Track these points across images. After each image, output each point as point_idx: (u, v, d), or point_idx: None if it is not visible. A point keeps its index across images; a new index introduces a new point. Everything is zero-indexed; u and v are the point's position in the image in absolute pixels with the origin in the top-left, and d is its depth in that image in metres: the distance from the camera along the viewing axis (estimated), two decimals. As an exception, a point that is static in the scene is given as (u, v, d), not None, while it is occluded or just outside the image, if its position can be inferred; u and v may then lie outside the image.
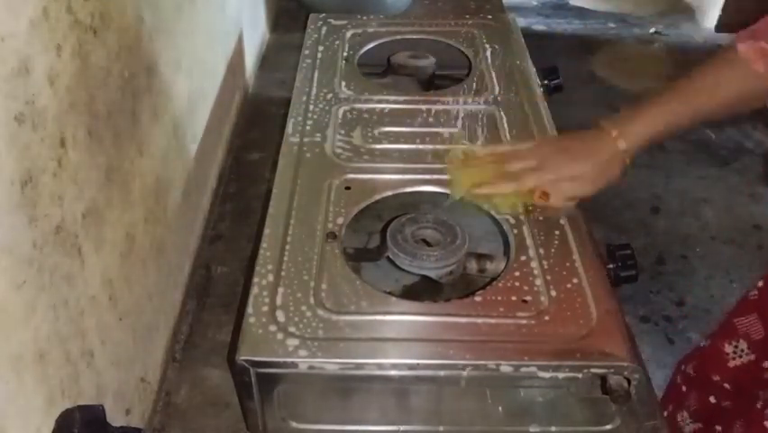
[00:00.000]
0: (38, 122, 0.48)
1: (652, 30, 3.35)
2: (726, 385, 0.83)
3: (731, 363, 0.82)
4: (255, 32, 1.37)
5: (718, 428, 0.84)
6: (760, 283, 0.82)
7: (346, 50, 1.10)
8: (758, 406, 0.77)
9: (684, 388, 0.90)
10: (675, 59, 3.10)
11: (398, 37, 1.15)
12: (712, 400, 0.85)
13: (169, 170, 0.80)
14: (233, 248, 0.95)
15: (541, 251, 0.71)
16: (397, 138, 0.89)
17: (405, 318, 0.65)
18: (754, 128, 2.53)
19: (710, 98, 0.76)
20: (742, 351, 0.82)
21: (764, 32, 0.73)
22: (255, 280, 0.67)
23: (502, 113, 0.94)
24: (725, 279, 1.97)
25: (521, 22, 1.26)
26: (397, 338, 0.63)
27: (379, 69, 1.12)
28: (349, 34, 1.15)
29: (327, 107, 0.95)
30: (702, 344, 0.90)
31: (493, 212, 0.76)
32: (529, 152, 0.80)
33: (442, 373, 0.62)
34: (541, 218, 0.76)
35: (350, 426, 0.68)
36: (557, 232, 0.74)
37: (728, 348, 0.83)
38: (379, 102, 0.97)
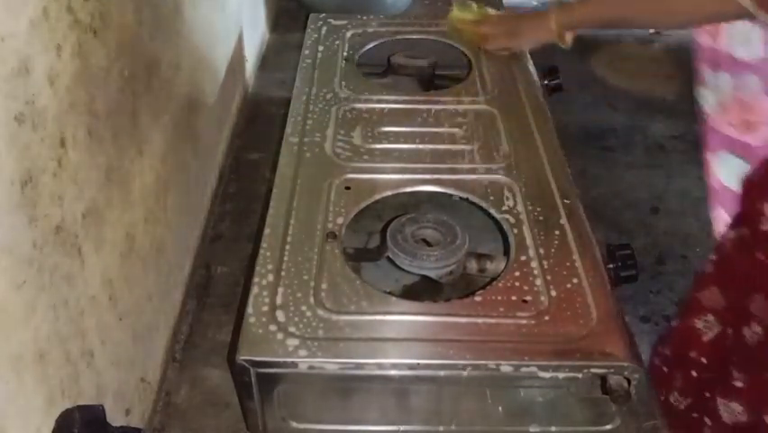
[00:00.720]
0: (38, 122, 0.48)
1: (652, 30, 3.35)
2: (703, 360, 0.86)
3: (705, 338, 0.85)
4: (255, 32, 1.37)
5: (708, 394, 0.86)
6: (713, 257, 0.85)
7: (346, 50, 1.10)
8: (729, 369, 0.80)
9: (666, 369, 0.93)
10: (675, 59, 3.10)
11: (398, 37, 1.15)
12: (694, 374, 0.88)
13: (169, 169, 0.80)
14: (232, 248, 0.95)
15: (541, 251, 0.71)
16: (396, 138, 0.89)
17: (405, 318, 0.65)
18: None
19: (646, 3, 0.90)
20: (711, 323, 0.85)
21: None
22: (255, 280, 0.67)
23: (502, 112, 0.94)
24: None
25: (521, 22, 1.26)
26: (397, 338, 0.63)
27: (379, 69, 1.12)
28: (349, 34, 1.15)
29: (327, 107, 0.95)
30: (673, 323, 0.92)
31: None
32: (492, 19, 1.11)
33: (442, 373, 0.62)
34: (543, 218, 0.76)
35: (350, 426, 0.68)
36: (557, 232, 0.74)
37: (699, 324, 0.86)
38: (379, 102, 0.97)
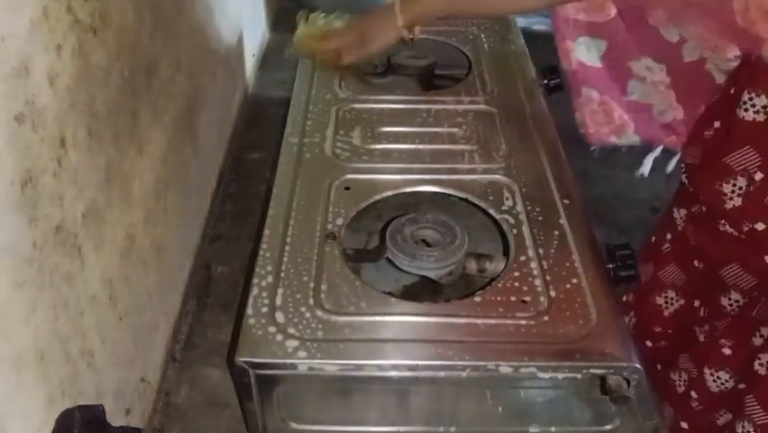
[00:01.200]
0: (38, 122, 0.48)
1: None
2: (669, 331, 0.89)
3: (666, 313, 0.88)
4: (255, 32, 1.37)
5: (658, 366, 0.89)
6: (669, 236, 0.86)
7: (346, 50, 1.10)
8: (701, 339, 0.82)
9: None
10: (675, 59, 3.10)
11: (398, 37, 1.15)
12: (648, 344, 0.91)
13: (168, 170, 0.80)
14: (233, 248, 0.95)
15: (540, 251, 0.71)
16: (396, 138, 0.89)
17: (404, 319, 0.65)
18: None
19: None
20: (672, 299, 0.87)
21: None
22: (255, 280, 0.67)
23: (502, 112, 0.94)
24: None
25: (521, 22, 1.26)
26: (396, 339, 0.63)
27: (380, 69, 1.12)
28: (349, 34, 1.15)
29: (327, 107, 0.95)
30: (626, 299, 0.95)
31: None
32: (343, 29, 1.03)
33: (441, 373, 0.62)
34: (543, 218, 0.76)
35: (350, 427, 0.67)
36: (557, 232, 0.74)
37: (660, 300, 0.88)
38: (379, 102, 0.97)
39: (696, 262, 0.81)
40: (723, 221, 0.72)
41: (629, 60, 0.89)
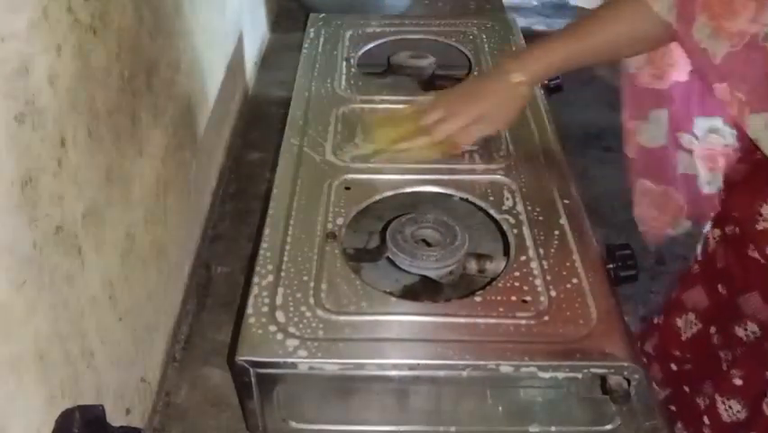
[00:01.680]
0: (38, 122, 0.48)
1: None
2: (688, 355, 0.86)
3: (683, 337, 0.85)
4: (255, 33, 1.37)
5: (686, 388, 0.86)
6: (699, 257, 0.84)
7: (346, 50, 1.11)
8: (724, 367, 0.79)
9: (644, 360, 0.92)
10: (675, 59, 3.10)
11: (398, 37, 1.15)
12: (673, 367, 0.88)
13: (168, 170, 0.80)
14: (233, 248, 0.95)
15: (541, 251, 0.71)
16: (397, 138, 0.89)
17: (405, 319, 0.65)
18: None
19: (608, 35, 0.79)
20: (691, 322, 0.85)
21: None
22: (255, 280, 0.67)
23: (502, 113, 0.94)
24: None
25: (521, 22, 1.26)
26: (396, 339, 0.63)
27: (379, 69, 1.12)
28: (349, 34, 1.15)
29: (327, 107, 0.95)
30: (656, 321, 0.92)
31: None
32: (438, 102, 0.86)
33: (442, 373, 0.62)
34: (543, 218, 0.76)
35: (350, 426, 0.68)
36: (557, 232, 0.74)
37: (680, 323, 0.86)
38: (380, 102, 0.97)
39: (720, 287, 0.79)
40: (752, 245, 0.71)
41: (677, 132, 0.85)
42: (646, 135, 0.87)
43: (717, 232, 0.80)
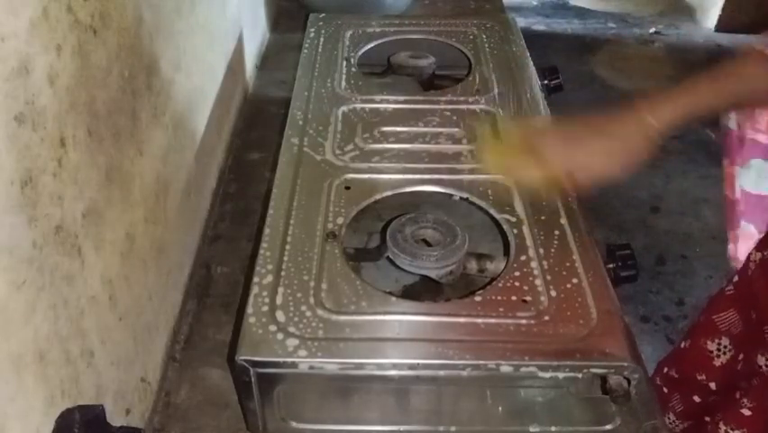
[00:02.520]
0: (38, 122, 0.48)
1: (652, 30, 3.35)
2: (712, 385, 0.83)
3: (716, 362, 0.82)
4: (255, 32, 1.37)
5: (707, 418, 0.84)
6: (735, 278, 0.82)
7: (346, 50, 1.11)
8: (737, 396, 0.78)
9: (666, 390, 0.90)
10: (675, 59, 3.11)
11: (398, 37, 1.15)
12: (696, 399, 0.85)
13: (169, 170, 0.80)
14: (233, 248, 0.95)
15: (541, 251, 0.71)
16: (397, 138, 0.89)
17: (405, 318, 0.65)
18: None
19: (739, 86, 0.75)
20: (725, 347, 0.82)
21: None
22: (255, 280, 0.67)
23: (502, 113, 0.94)
24: (724, 279, 1.98)
25: (521, 22, 1.26)
26: (397, 338, 0.63)
27: (379, 68, 1.12)
28: (349, 34, 1.15)
29: (327, 107, 0.95)
30: (683, 345, 0.90)
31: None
32: (557, 127, 0.80)
33: (442, 372, 0.62)
34: (543, 217, 0.76)
35: (350, 426, 0.68)
36: (557, 232, 0.74)
37: (712, 346, 0.83)
38: (379, 102, 0.97)
39: (752, 312, 0.77)
40: None
41: None
42: (748, 180, 0.86)
43: (758, 255, 0.78)
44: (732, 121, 0.86)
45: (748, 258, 0.80)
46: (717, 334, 0.82)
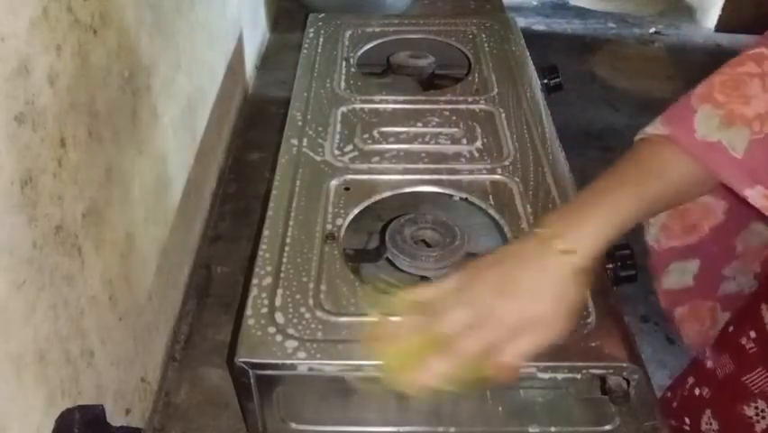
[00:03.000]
0: (38, 122, 0.48)
1: (652, 30, 3.36)
2: None
3: (758, 428, 0.74)
4: (255, 32, 1.37)
5: None
6: (753, 334, 0.74)
7: (346, 50, 1.11)
8: None
9: None
10: (675, 59, 3.11)
11: (398, 37, 1.15)
12: None
13: (169, 170, 0.80)
14: (232, 248, 0.95)
15: (541, 251, 0.71)
16: (396, 138, 0.89)
17: (404, 319, 0.64)
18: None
19: (659, 182, 0.60)
20: (763, 411, 0.74)
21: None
22: (254, 281, 0.67)
23: (502, 112, 0.94)
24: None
25: (521, 22, 1.26)
26: (396, 339, 0.62)
27: (379, 69, 1.12)
28: (349, 34, 1.15)
29: (327, 107, 0.95)
30: (699, 392, 0.82)
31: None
32: (457, 297, 0.56)
33: (441, 373, 0.62)
34: (541, 213, 0.76)
35: (349, 427, 0.67)
36: (557, 232, 0.74)
37: (750, 412, 0.75)
38: (379, 102, 0.97)
39: None
40: None
41: (723, 268, 0.79)
42: (669, 283, 0.80)
43: None
44: (651, 237, 0.78)
45: (759, 312, 0.74)
46: (751, 397, 0.74)
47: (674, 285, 0.81)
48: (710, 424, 0.80)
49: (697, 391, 0.83)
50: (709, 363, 0.81)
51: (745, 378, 0.75)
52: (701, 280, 0.79)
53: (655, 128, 0.62)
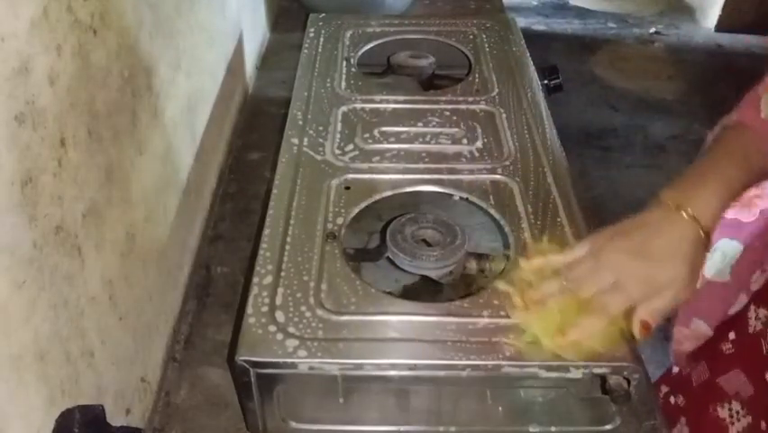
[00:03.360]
0: (38, 122, 0.48)
1: (652, 30, 3.36)
2: None
3: (732, 430, 0.73)
4: (255, 32, 1.37)
5: None
6: (732, 335, 0.73)
7: (346, 50, 1.11)
8: None
9: None
10: (675, 59, 3.11)
11: (398, 37, 1.15)
12: None
13: (169, 170, 0.80)
14: (233, 248, 0.95)
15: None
16: (397, 138, 0.89)
17: (405, 318, 0.65)
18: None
19: (746, 163, 0.64)
20: (738, 413, 0.72)
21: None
22: (255, 280, 0.67)
23: (502, 112, 0.94)
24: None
25: (521, 22, 1.26)
26: (396, 338, 0.63)
27: (379, 68, 1.12)
28: (349, 34, 1.15)
29: (327, 107, 0.95)
30: (674, 400, 0.80)
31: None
32: (595, 262, 0.62)
33: (442, 373, 0.62)
34: (543, 217, 0.76)
35: (350, 426, 0.68)
36: (557, 232, 0.74)
37: (723, 413, 0.73)
38: (380, 102, 0.97)
39: (767, 376, 0.70)
40: None
41: (752, 274, 0.75)
42: (712, 266, 0.77)
43: (764, 312, 0.70)
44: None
45: (746, 314, 0.73)
46: (725, 397, 0.73)
47: (715, 273, 0.78)
48: (682, 432, 0.79)
49: (672, 400, 0.82)
50: (685, 372, 0.80)
51: (719, 379, 0.75)
52: (736, 278, 0.77)
53: (730, 117, 0.67)
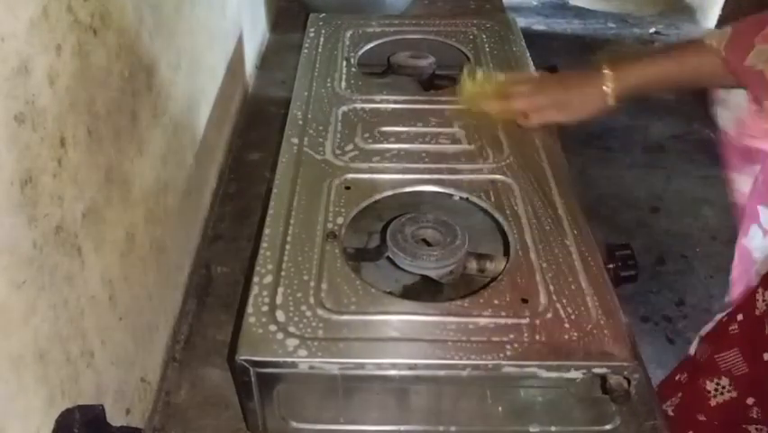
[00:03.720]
0: (38, 122, 0.48)
1: (652, 30, 3.35)
2: (715, 422, 0.79)
3: (713, 402, 0.79)
4: (255, 32, 1.37)
5: None
6: (740, 317, 0.78)
7: (346, 50, 1.11)
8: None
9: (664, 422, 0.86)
10: (675, 59, 3.10)
11: (398, 37, 1.15)
12: None
13: (169, 170, 0.80)
14: (233, 248, 0.95)
15: (541, 251, 0.71)
16: (397, 138, 0.89)
17: (405, 318, 0.65)
18: (754, 128, 2.52)
19: (697, 65, 0.81)
20: (723, 388, 0.78)
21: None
22: (255, 279, 0.67)
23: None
24: (725, 279, 1.97)
25: (521, 22, 1.26)
26: (396, 338, 0.63)
27: (379, 68, 1.12)
28: (349, 34, 1.15)
29: (327, 107, 0.95)
30: (678, 378, 0.86)
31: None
32: (530, 78, 0.94)
33: (442, 372, 0.62)
34: (543, 217, 0.76)
35: (350, 426, 0.68)
36: (557, 232, 0.74)
37: (710, 386, 0.79)
38: (380, 102, 0.97)
39: (766, 356, 0.73)
40: None
41: (761, 203, 0.82)
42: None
43: None
44: (725, 124, 0.89)
45: (754, 296, 0.76)
46: (716, 373, 0.79)
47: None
48: (671, 405, 0.83)
49: (677, 377, 0.85)
50: (696, 353, 0.82)
51: (717, 356, 0.79)
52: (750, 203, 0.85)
53: (718, 44, 0.78)
